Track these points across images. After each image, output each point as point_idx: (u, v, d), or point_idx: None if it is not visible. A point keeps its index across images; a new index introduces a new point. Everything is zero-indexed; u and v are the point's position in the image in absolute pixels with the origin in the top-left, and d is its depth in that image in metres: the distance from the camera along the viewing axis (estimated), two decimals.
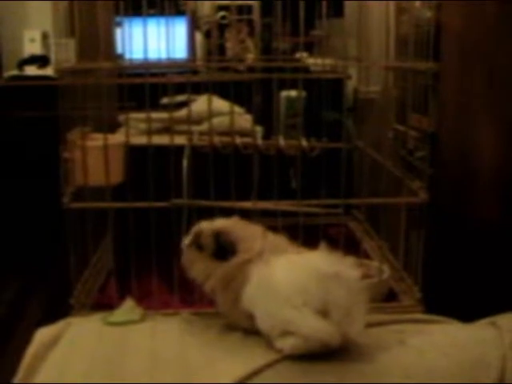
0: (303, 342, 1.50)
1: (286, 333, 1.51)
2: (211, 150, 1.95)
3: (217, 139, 2.05)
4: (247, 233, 1.66)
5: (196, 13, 3.85)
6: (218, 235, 1.64)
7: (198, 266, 1.67)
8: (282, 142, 2.10)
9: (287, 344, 1.51)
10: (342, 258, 1.58)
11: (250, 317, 1.59)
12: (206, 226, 1.68)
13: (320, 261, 1.54)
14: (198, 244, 1.67)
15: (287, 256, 1.60)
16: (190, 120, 2.03)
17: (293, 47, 3.05)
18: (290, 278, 1.52)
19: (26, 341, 1.72)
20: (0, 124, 3.58)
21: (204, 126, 2.26)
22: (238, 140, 2.05)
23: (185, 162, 2.05)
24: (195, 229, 1.69)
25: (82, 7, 2.02)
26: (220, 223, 1.68)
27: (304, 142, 2.09)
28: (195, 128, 2.16)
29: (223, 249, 1.64)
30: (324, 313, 1.48)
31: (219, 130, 2.15)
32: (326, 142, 2.22)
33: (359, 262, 2.13)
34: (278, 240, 1.68)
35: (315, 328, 1.48)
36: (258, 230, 1.69)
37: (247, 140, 2.07)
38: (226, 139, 2.06)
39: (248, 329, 1.63)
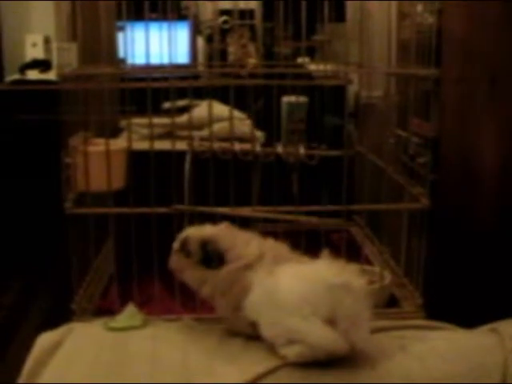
0: (309, 350, 1.50)
1: (291, 341, 1.52)
2: (211, 156, 1.95)
3: (217, 145, 2.05)
4: (236, 240, 1.66)
5: (198, 17, 3.85)
6: (204, 244, 1.64)
7: (188, 272, 1.68)
8: (280, 149, 2.10)
9: (292, 352, 1.51)
10: (346, 265, 1.58)
11: (252, 324, 1.59)
12: (193, 232, 1.68)
13: (326, 270, 1.54)
14: (185, 250, 1.68)
15: (292, 266, 1.59)
16: (191, 125, 2.03)
17: (294, 52, 3.06)
18: (298, 289, 1.52)
19: (27, 345, 1.71)
20: (2, 128, 3.59)
21: (205, 132, 2.26)
22: (238, 146, 2.05)
23: (187, 168, 2.05)
24: (182, 235, 1.70)
25: (85, 11, 2.02)
26: (207, 231, 1.68)
27: (302, 150, 2.09)
28: (196, 133, 2.16)
29: (210, 257, 1.64)
30: (331, 321, 1.49)
31: (220, 135, 2.15)
32: (326, 148, 2.22)
33: (361, 267, 2.13)
34: (279, 247, 1.68)
35: (323, 337, 1.48)
36: (249, 237, 1.68)
37: (248, 146, 2.07)
38: (226, 145, 2.06)
39: (249, 335, 1.63)
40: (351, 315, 1.49)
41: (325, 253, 1.62)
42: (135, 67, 2.18)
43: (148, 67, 1.93)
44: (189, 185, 2.05)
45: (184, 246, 1.67)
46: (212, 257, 1.63)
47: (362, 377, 1.51)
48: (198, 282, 1.66)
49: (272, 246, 1.67)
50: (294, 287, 1.53)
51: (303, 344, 1.50)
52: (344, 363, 1.52)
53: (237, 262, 1.61)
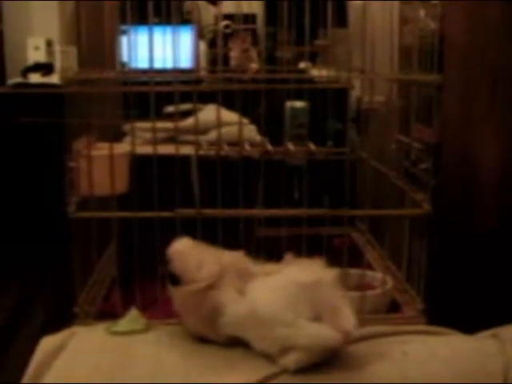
0: (305, 353, 1.50)
1: (285, 349, 1.52)
2: (219, 160, 1.95)
3: (225, 149, 2.06)
4: (188, 263, 1.65)
5: (200, 22, 3.86)
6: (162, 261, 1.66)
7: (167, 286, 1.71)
8: (291, 146, 2.11)
9: (290, 360, 1.51)
10: (311, 262, 1.60)
11: (231, 337, 1.62)
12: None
13: (295, 274, 1.56)
14: None
15: (261, 280, 1.60)
16: (196, 130, 2.03)
17: (297, 57, 3.06)
18: (275, 300, 1.53)
19: (29, 348, 1.72)
20: (4, 131, 3.60)
21: (211, 136, 2.27)
22: (245, 150, 2.06)
23: (194, 173, 2.06)
24: None
25: (88, 15, 2.03)
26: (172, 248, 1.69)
27: (312, 146, 2.10)
28: (202, 138, 2.17)
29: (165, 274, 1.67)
30: (316, 319, 1.50)
31: (225, 139, 2.16)
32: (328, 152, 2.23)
33: (362, 272, 2.14)
34: (240, 260, 1.68)
35: (314, 335, 1.49)
36: (202, 258, 1.66)
37: (252, 150, 2.08)
38: (231, 149, 2.06)
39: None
40: (332, 307, 1.50)
41: (288, 257, 1.66)
42: (138, 71, 2.18)
43: (151, 71, 1.94)
44: (195, 190, 2.05)
45: None
46: (166, 274, 1.66)
47: (363, 381, 1.51)
48: (170, 296, 1.69)
49: (232, 261, 1.66)
50: (271, 300, 1.54)
51: (298, 349, 1.51)
52: (344, 368, 1.53)
53: (195, 285, 1.61)
